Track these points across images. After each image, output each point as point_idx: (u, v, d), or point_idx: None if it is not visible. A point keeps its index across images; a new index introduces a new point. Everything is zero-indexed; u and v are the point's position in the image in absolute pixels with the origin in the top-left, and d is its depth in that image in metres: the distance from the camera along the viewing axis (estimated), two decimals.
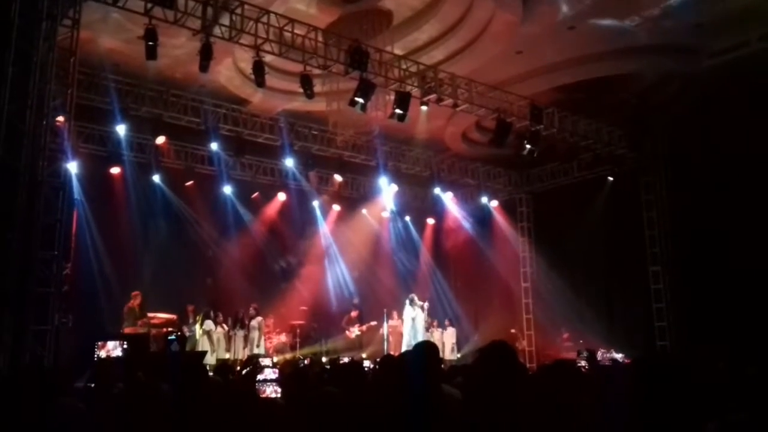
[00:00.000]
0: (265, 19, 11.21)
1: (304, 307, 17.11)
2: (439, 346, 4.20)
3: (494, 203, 19.45)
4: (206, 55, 10.94)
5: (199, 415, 3.75)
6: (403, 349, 14.44)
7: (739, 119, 13.05)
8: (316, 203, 18.43)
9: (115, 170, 14.58)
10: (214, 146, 15.02)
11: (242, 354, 14.45)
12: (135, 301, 13.41)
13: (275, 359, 13.73)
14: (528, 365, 15.68)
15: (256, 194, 17.34)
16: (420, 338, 15.04)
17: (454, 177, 18.81)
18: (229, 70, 13.98)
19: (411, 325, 15.52)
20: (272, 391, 7.74)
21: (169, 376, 4.06)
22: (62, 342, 9.16)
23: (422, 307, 15.98)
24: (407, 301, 15.85)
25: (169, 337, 10.14)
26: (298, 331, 16.28)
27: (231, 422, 3.75)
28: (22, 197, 8.12)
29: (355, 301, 17.81)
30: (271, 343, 15.58)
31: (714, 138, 13.69)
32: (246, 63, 12.51)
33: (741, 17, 12.28)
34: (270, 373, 8.61)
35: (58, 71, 9.23)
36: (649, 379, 2.74)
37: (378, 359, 5.90)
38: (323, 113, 14.78)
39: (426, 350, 3.52)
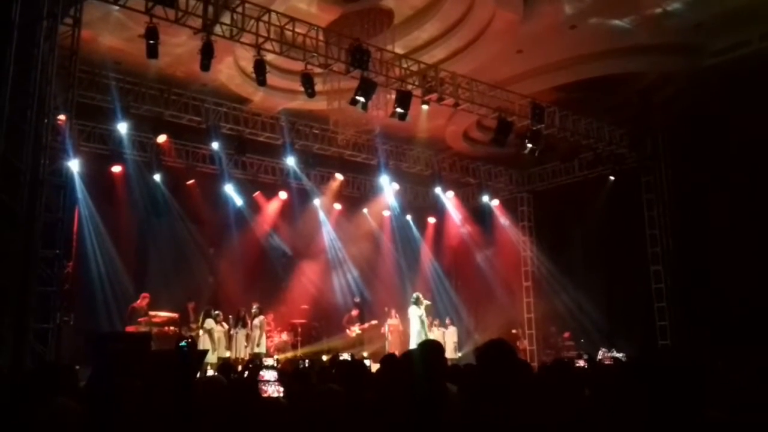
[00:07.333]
0: (266, 17, 11.21)
1: (305, 306, 17.12)
2: None
3: (495, 202, 19.43)
4: (207, 54, 10.94)
5: (201, 414, 3.76)
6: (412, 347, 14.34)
7: (739, 118, 13.05)
8: (317, 202, 18.43)
9: (116, 169, 14.58)
10: (215, 145, 15.00)
11: (243, 353, 14.45)
12: (143, 301, 13.48)
13: (277, 358, 13.75)
14: (530, 364, 15.65)
15: (257, 193, 17.36)
16: (429, 336, 15.03)
17: (455, 176, 18.80)
18: (230, 69, 13.99)
19: (419, 324, 15.44)
20: (274, 391, 7.74)
21: (173, 376, 4.06)
22: (64, 340, 9.18)
23: (427, 307, 15.93)
24: (412, 300, 15.78)
25: (180, 344, 10.16)
26: (299, 329, 16.29)
27: (234, 422, 3.76)
28: (23, 196, 8.13)
29: (356, 299, 17.83)
30: (272, 341, 15.59)
31: (715, 137, 13.69)
32: (247, 62, 12.52)
33: (741, 17, 12.29)
34: (272, 373, 8.60)
35: (59, 70, 9.23)
36: (649, 378, 2.74)
37: (381, 358, 5.92)
38: (324, 112, 14.79)
39: (432, 349, 3.53)
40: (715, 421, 2.61)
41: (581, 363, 11.33)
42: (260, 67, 11.51)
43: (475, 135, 17.67)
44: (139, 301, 13.49)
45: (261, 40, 11.25)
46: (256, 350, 14.47)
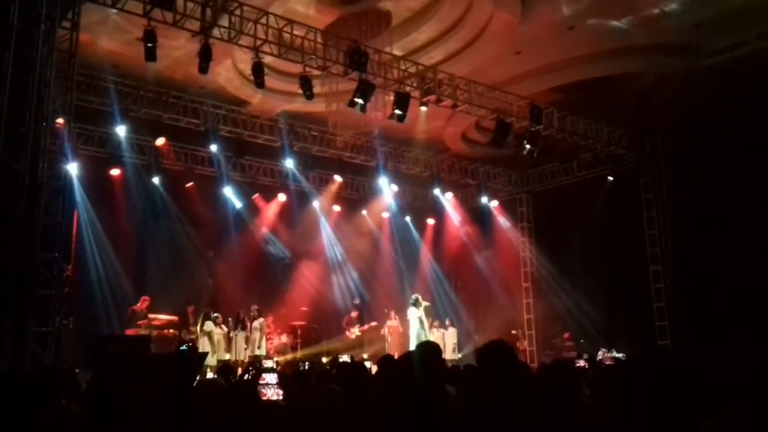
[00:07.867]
0: (264, 20, 11.22)
1: (305, 308, 17.11)
2: (441, 346, 4.21)
3: (494, 203, 19.43)
4: (205, 57, 10.93)
5: (201, 417, 3.76)
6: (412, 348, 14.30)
7: (738, 118, 13.06)
8: (316, 204, 18.42)
9: (115, 172, 14.57)
10: (213, 148, 15.00)
11: (243, 355, 14.44)
12: (143, 304, 13.46)
13: (276, 360, 13.74)
14: (529, 365, 15.63)
15: (256, 195, 17.35)
16: (430, 338, 15.00)
17: (454, 177, 18.81)
18: (229, 72, 14.00)
19: (419, 325, 15.40)
20: (273, 394, 7.74)
21: (173, 379, 4.07)
22: (64, 344, 9.18)
23: (426, 308, 15.89)
24: (411, 301, 15.74)
25: (181, 348, 10.18)
26: (299, 331, 16.28)
27: (234, 424, 3.76)
28: (22, 199, 8.12)
29: (356, 301, 17.82)
30: (272, 344, 15.58)
31: (713, 137, 13.69)
32: (245, 64, 12.52)
33: (740, 17, 12.30)
34: (272, 376, 8.59)
35: (58, 73, 9.23)
36: (649, 378, 2.74)
37: (378, 359, 5.92)
38: (323, 114, 14.78)
39: (429, 350, 3.53)
40: (715, 421, 2.61)
41: (581, 363, 11.34)
42: (258, 69, 11.51)
43: (473, 136, 17.68)
44: (138, 304, 13.48)
45: (259, 42, 11.25)
46: (256, 352, 14.46)
